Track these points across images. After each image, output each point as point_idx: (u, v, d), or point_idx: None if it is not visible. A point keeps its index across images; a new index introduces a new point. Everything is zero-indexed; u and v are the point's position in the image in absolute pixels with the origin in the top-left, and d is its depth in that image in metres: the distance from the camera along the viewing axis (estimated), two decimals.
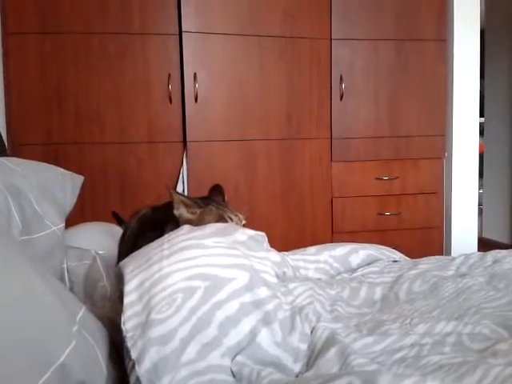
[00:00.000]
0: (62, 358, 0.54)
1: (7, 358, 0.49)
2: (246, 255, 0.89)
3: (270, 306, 0.81)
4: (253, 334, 0.76)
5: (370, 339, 0.88)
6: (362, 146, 2.53)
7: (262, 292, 0.82)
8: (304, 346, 0.82)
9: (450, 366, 0.76)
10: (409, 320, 1.00)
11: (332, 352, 0.81)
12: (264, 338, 0.77)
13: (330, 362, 0.79)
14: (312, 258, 1.32)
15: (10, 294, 0.54)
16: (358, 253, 1.40)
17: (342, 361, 0.78)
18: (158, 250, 0.85)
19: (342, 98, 2.47)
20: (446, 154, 2.63)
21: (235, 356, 0.73)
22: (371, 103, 2.52)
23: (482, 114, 3.33)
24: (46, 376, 0.52)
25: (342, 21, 2.44)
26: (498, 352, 0.82)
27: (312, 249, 1.36)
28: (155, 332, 0.68)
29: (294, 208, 2.44)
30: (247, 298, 0.79)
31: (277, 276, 1.03)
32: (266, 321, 0.79)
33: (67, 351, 0.55)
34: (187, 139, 2.27)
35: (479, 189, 2.83)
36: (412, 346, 0.87)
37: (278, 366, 0.77)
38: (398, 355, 0.84)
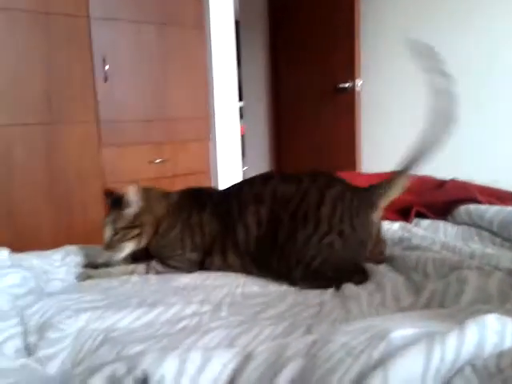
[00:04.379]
0: None
1: None
2: None
3: (1, 339, 0.82)
4: None
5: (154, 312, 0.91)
6: (132, 129, 2.49)
7: None
8: (50, 351, 0.80)
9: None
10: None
11: (105, 347, 0.79)
12: (2, 361, 0.75)
13: (102, 355, 0.77)
14: (59, 263, 1.26)
15: None
16: None
17: (116, 352, 0.77)
18: None
19: (106, 79, 2.37)
20: (211, 136, 2.80)
21: None
22: (138, 86, 2.50)
23: (241, 98, 3.65)
24: None
25: None
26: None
27: (57, 254, 1.30)
28: None
29: (61, 200, 2.26)
30: None
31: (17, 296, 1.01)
32: None
33: None
34: None
35: (243, 167, 3.11)
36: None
37: (30, 371, 0.73)
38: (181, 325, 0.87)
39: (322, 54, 3.37)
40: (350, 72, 3.15)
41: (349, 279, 1.07)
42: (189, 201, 1.25)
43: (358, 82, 3.14)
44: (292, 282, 1.11)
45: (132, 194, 1.17)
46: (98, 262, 1.28)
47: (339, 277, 1.08)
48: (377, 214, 1.15)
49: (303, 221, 1.10)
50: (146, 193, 1.22)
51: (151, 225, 1.21)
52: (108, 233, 1.17)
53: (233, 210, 1.18)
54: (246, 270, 1.19)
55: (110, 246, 1.17)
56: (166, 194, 1.27)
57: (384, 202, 1.16)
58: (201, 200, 1.25)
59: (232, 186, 1.28)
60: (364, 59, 3.18)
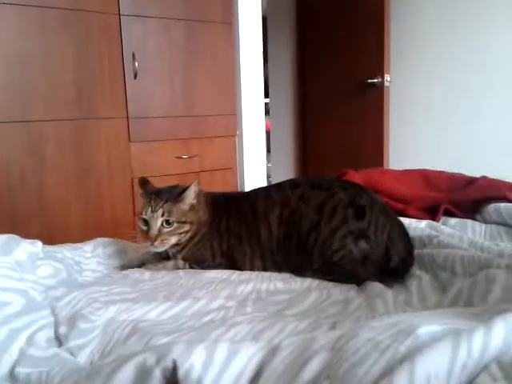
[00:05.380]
0: None
1: None
2: (23, 279, 0.94)
3: (34, 329, 0.84)
4: (22, 352, 0.78)
5: (181, 306, 0.94)
6: (160, 125, 2.52)
7: (30, 317, 0.86)
8: (80, 341, 0.83)
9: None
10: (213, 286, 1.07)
11: (133, 338, 0.81)
12: (34, 350, 0.78)
13: (131, 346, 0.79)
14: (89, 254, 1.28)
15: None
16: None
17: (144, 343, 0.79)
18: None
19: (136, 76, 2.41)
20: (238, 132, 2.81)
21: (13, 370, 0.73)
22: (167, 83, 2.53)
23: (267, 95, 3.65)
24: None
25: None
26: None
27: (88, 246, 1.32)
28: None
29: (91, 193, 2.31)
30: (16, 324, 0.82)
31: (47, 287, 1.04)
32: (30, 342, 0.81)
33: None
34: None
35: (268, 163, 3.12)
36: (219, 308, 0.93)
37: (60, 361, 0.76)
38: (207, 318, 0.89)
39: (350, 49, 3.34)
40: (379, 67, 3.11)
41: (367, 278, 1.08)
42: (218, 206, 1.25)
43: (387, 78, 3.09)
44: (313, 273, 1.13)
45: (194, 190, 1.18)
46: (135, 263, 1.30)
47: (356, 273, 1.09)
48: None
49: (329, 215, 1.11)
50: (198, 193, 1.22)
51: (196, 226, 1.20)
52: (158, 224, 1.15)
53: (259, 213, 1.20)
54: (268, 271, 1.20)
55: (158, 237, 1.15)
56: (207, 199, 1.26)
57: None
58: (228, 205, 1.26)
59: (257, 190, 1.29)
60: (393, 54, 3.14)
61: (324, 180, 1.24)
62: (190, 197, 1.19)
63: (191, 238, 1.21)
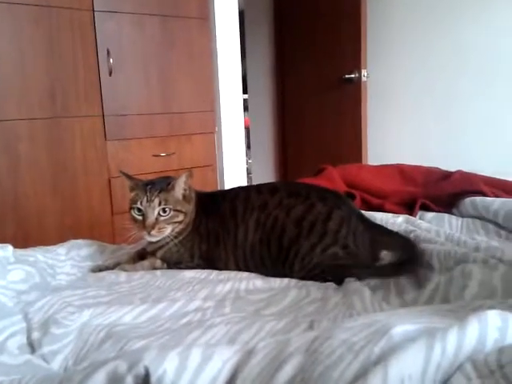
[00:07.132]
0: None
1: None
2: None
3: (5, 336, 0.83)
4: None
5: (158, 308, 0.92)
6: (136, 123, 2.48)
7: (1, 324, 0.85)
8: (54, 347, 0.81)
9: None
10: (191, 288, 1.05)
11: (108, 343, 0.80)
12: (5, 358, 0.76)
13: (106, 351, 0.78)
14: (63, 257, 1.26)
15: None
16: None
17: (119, 347, 0.77)
18: None
19: (111, 73, 2.37)
20: (217, 129, 2.79)
21: None
22: (142, 79, 2.49)
23: (245, 91, 3.64)
24: None
25: None
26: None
27: (62, 249, 1.30)
28: None
29: (67, 192, 2.27)
30: None
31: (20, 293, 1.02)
32: (1, 349, 0.79)
33: None
34: None
35: (248, 159, 3.11)
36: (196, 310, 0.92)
37: (33, 367, 0.74)
38: (184, 320, 0.88)
39: (327, 45, 3.34)
40: (356, 62, 3.12)
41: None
42: (201, 206, 1.25)
43: (364, 73, 3.10)
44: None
45: (184, 180, 1.19)
46: (107, 263, 1.28)
47: (339, 281, 1.10)
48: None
49: (308, 230, 1.12)
50: (190, 187, 1.23)
51: (188, 219, 1.21)
52: (155, 212, 1.15)
53: (237, 216, 1.19)
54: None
55: (156, 225, 1.16)
56: (195, 197, 1.26)
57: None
58: (209, 206, 1.25)
59: (238, 190, 1.28)
60: (370, 49, 3.15)
61: (303, 186, 1.25)
62: (181, 186, 1.19)
63: (177, 236, 1.20)
